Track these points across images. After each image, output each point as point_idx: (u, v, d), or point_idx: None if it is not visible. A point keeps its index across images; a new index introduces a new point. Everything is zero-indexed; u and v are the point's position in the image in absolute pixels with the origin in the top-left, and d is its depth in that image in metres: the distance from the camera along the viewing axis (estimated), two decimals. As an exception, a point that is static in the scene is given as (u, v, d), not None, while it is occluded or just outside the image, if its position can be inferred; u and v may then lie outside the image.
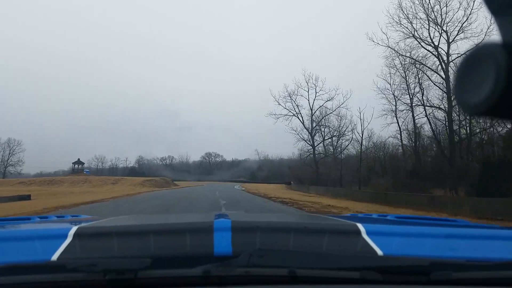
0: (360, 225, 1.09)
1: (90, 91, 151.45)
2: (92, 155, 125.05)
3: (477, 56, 0.38)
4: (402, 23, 29.60)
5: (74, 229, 1.05)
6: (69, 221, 1.78)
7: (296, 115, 47.24)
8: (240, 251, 0.91)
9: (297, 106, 47.21)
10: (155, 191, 45.30)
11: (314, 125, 47.53)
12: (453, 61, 26.60)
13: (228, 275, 0.86)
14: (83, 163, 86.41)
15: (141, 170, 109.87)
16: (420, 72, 30.36)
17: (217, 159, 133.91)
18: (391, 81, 34.21)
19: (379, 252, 0.97)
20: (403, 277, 0.87)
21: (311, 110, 47.20)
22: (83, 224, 1.17)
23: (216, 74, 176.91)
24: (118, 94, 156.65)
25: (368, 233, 1.05)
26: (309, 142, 47.69)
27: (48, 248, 0.97)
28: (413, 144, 34.52)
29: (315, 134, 47.84)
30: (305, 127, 47.60)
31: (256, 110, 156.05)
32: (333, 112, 45.64)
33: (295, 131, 47.59)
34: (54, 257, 0.94)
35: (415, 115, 32.57)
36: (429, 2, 28.14)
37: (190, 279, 0.87)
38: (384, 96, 34.58)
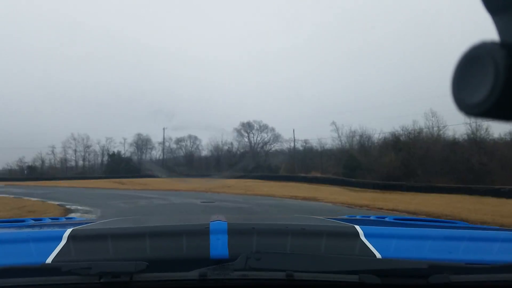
0: (358, 227, 1.09)
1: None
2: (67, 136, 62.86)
3: (475, 56, 0.37)
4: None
5: (68, 231, 1.04)
6: (64, 223, 1.78)
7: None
8: (237, 254, 0.91)
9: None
10: None
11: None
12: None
13: (225, 278, 0.86)
14: None
15: (121, 163, 56.32)
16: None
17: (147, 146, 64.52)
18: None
19: (378, 255, 0.97)
20: (401, 280, 0.86)
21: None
22: (77, 227, 1.16)
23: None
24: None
25: (366, 236, 1.04)
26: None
27: (43, 250, 0.96)
28: None
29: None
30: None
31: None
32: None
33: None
34: (49, 259, 0.93)
35: None
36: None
37: (186, 282, 0.87)
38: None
